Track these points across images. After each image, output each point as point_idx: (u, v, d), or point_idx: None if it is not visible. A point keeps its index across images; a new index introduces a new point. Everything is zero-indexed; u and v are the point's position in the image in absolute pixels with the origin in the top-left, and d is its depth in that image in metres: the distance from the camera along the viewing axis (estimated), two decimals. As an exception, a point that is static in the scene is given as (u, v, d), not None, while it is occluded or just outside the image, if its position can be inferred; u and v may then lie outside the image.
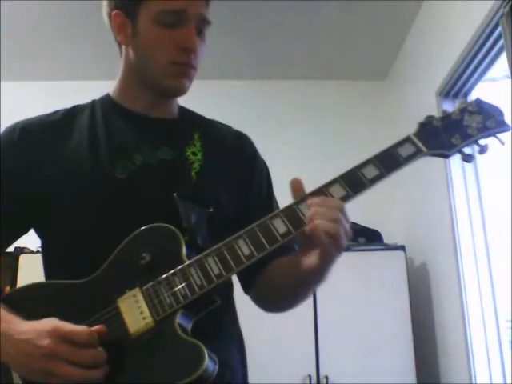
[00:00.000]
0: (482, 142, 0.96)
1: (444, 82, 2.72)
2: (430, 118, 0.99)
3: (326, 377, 2.63)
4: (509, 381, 2.30)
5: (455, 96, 2.77)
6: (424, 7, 3.02)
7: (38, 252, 2.76)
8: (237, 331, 1.11)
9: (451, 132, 0.96)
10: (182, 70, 1.05)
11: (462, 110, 0.97)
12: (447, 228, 2.64)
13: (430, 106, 2.86)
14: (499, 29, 2.19)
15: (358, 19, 3.14)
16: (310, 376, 2.62)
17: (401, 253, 2.90)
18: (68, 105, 1.16)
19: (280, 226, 0.90)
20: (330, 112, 3.72)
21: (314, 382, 2.62)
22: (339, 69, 3.66)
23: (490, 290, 2.49)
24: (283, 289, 1.05)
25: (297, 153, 3.48)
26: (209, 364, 0.83)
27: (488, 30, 2.26)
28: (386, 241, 3.03)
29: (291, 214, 0.91)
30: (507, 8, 2.09)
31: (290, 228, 0.90)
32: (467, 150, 0.97)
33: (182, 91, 1.08)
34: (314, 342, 2.70)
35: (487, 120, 0.96)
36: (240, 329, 1.12)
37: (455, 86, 2.70)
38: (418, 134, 0.97)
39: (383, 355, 2.69)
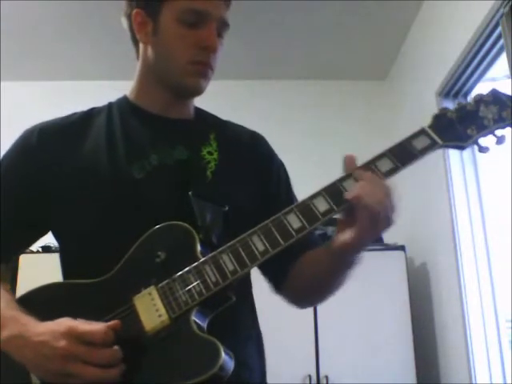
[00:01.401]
0: (498, 132, 0.95)
1: (444, 82, 2.72)
2: (444, 110, 0.97)
3: (326, 377, 2.63)
4: (509, 381, 2.30)
5: (455, 96, 2.77)
6: (424, 7, 3.02)
7: (38, 252, 2.76)
8: (255, 330, 1.11)
9: (466, 123, 0.94)
10: (201, 70, 1.07)
11: (478, 101, 0.96)
12: (447, 228, 2.64)
13: (430, 105, 2.86)
14: (499, 29, 2.19)
15: (358, 19, 3.14)
16: (310, 376, 2.62)
17: (401, 253, 2.90)
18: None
19: (294, 222, 0.90)
20: (329, 112, 3.72)
21: (314, 382, 2.62)
22: (339, 69, 3.65)
23: (490, 290, 2.49)
24: (316, 280, 1.05)
25: (296, 152, 3.48)
26: (225, 361, 0.83)
27: (488, 30, 2.26)
28: (385, 241, 3.02)
29: (305, 209, 0.91)
30: (507, 8, 2.09)
31: (305, 223, 0.90)
32: (483, 142, 0.95)
33: (199, 91, 1.10)
34: (314, 342, 2.70)
35: (503, 110, 0.95)
36: (259, 328, 1.12)
37: (455, 86, 2.70)
38: (432, 125, 0.96)
39: (383, 355, 2.68)
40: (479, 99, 0.96)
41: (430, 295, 2.95)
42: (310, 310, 2.72)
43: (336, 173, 0.95)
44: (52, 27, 3.17)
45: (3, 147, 1.10)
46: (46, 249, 2.68)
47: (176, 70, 1.06)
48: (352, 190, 0.88)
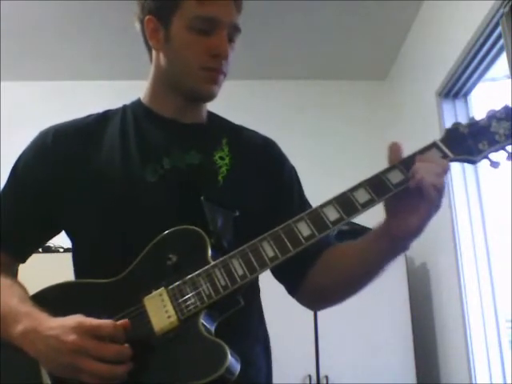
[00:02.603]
0: (509, 148, 0.96)
1: (444, 82, 2.72)
2: (456, 125, 0.98)
3: (326, 377, 2.63)
4: (509, 381, 2.30)
5: (455, 96, 2.77)
6: (424, 7, 3.02)
7: (37, 252, 2.76)
8: (263, 332, 1.13)
9: (478, 138, 0.95)
10: (212, 76, 1.07)
11: (490, 117, 0.97)
12: (447, 228, 2.64)
13: (430, 106, 2.86)
14: (499, 29, 2.19)
15: (358, 19, 3.14)
16: (309, 376, 2.62)
17: (401, 253, 2.89)
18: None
19: (304, 229, 0.92)
20: (329, 112, 3.72)
21: (314, 382, 2.62)
22: (339, 69, 3.65)
23: (490, 290, 2.49)
24: (350, 275, 1.07)
25: (296, 152, 3.48)
26: (231, 364, 0.84)
27: (488, 30, 2.26)
28: (386, 241, 3.02)
29: (315, 217, 0.92)
30: (507, 8, 2.09)
31: (314, 231, 0.91)
32: (494, 157, 0.96)
33: (211, 96, 1.11)
34: (314, 342, 2.70)
35: None
36: (266, 330, 1.14)
37: (455, 86, 2.70)
38: (444, 139, 0.97)
39: (383, 355, 2.68)
40: (492, 115, 0.97)
41: (430, 295, 2.95)
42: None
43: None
44: (52, 27, 3.17)
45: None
46: (46, 249, 2.68)
47: (188, 76, 1.07)
48: (413, 176, 0.90)
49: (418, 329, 2.82)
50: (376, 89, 3.77)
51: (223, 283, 0.89)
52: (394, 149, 0.95)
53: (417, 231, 0.94)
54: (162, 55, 1.10)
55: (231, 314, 0.93)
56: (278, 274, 1.13)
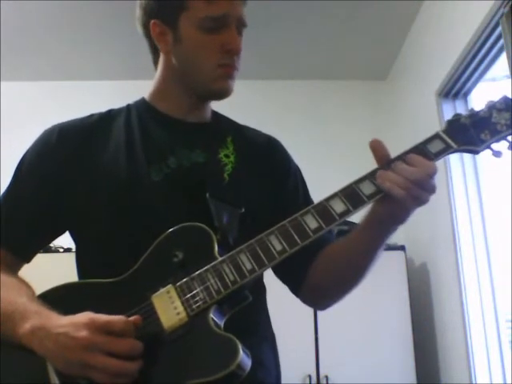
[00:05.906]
0: (510, 138, 0.96)
1: (444, 82, 2.72)
2: (458, 116, 0.99)
3: (326, 377, 2.63)
4: (509, 381, 2.30)
5: (455, 96, 2.77)
6: (424, 7, 3.02)
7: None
8: (270, 332, 1.13)
9: (480, 129, 0.96)
10: (228, 72, 1.08)
11: (490, 108, 0.98)
12: (447, 228, 2.64)
13: (430, 106, 2.86)
14: (499, 29, 2.19)
15: (358, 19, 3.14)
16: (309, 376, 2.62)
17: (401, 253, 2.89)
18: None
19: (311, 222, 0.92)
20: (329, 112, 3.72)
21: (314, 382, 2.62)
22: (339, 69, 3.66)
23: (490, 290, 2.49)
24: (345, 269, 1.07)
25: (296, 153, 3.48)
26: (243, 359, 0.83)
27: (488, 30, 2.27)
28: (385, 241, 3.03)
29: (322, 209, 0.92)
30: (507, 8, 2.09)
31: (321, 223, 0.91)
32: (496, 147, 0.97)
33: (228, 92, 1.11)
34: (314, 342, 2.70)
35: None
36: (273, 331, 1.14)
37: (455, 86, 2.70)
38: (446, 130, 0.97)
39: (383, 355, 2.69)
40: (492, 105, 0.98)
41: (430, 295, 2.95)
42: (310, 310, 2.72)
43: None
44: (52, 27, 3.17)
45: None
46: (46, 249, 2.68)
47: (204, 76, 1.08)
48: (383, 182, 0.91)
49: (418, 329, 2.82)
50: (376, 89, 3.77)
51: (232, 278, 0.89)
52: (375, 146, 0.94)
53: (403, 217, 0.96)
54: (172, 57, 1.10)
55: (237, 314, 0.93)
56: (281, 275, 1.14)
